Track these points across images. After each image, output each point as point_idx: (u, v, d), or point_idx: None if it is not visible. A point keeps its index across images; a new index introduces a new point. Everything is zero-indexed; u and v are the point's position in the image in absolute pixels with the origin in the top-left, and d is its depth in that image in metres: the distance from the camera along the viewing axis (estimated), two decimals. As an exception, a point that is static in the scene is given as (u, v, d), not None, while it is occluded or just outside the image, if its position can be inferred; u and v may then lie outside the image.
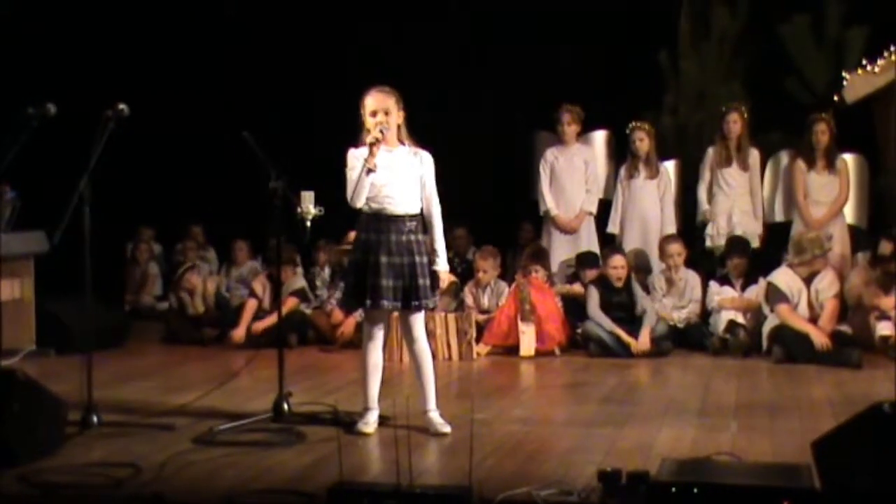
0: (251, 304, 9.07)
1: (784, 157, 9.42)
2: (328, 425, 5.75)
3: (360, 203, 5.52)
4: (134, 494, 4.46)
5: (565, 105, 9.42)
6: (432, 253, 5.63)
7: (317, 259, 9.79)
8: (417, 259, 5.57)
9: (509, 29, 10.79)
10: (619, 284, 8.48)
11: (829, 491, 4.11)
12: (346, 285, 5.82)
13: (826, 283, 8.10)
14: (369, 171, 5.42)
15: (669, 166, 9.72)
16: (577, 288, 8.97)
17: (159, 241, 11.83)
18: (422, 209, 5.64)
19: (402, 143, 5.64)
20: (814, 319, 8.01)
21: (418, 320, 5.67)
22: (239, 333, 8.89)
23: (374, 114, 5.53)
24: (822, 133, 9.00)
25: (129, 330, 9.29)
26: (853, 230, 9.28)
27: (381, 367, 5.71)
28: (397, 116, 5.59)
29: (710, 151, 9.32)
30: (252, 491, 4.51)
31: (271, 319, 8.57)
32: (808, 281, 8.11)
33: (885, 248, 8.68)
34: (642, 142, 9.39)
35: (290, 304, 8.95)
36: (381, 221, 5.56)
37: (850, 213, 9.31)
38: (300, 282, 9.34)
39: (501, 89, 10.75)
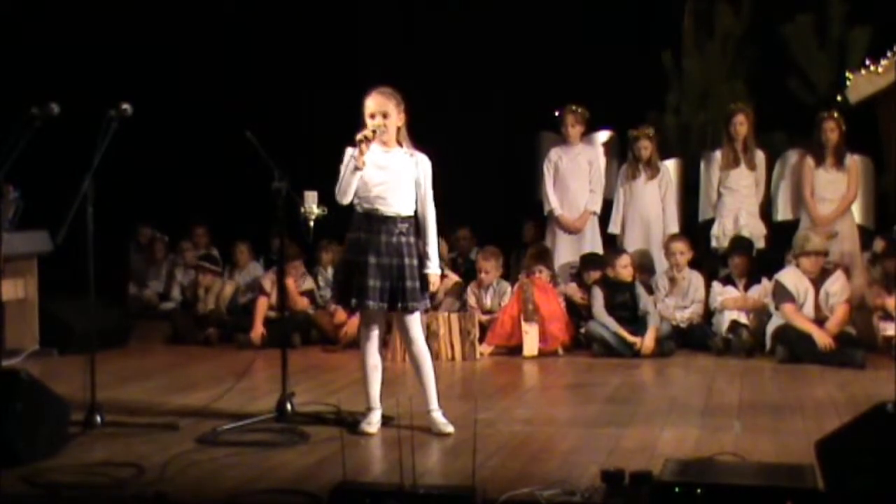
0: (263, 303, 9.08)
1: (792, 156, 9.38)
2: (331, 425, 5.76)
3: (345, 199, 5.52)
4: (137, 494, 4.46)
5: (569, 105, 9.41)
6: (424, 255, 5.62)
7: (320, 259, 9.80)
8: (407, 261, 5.55)
9: (513, 29, 10.77)
10: (630, 279, 8.51)
11: (833, 491, 4.10)
12: (336, 284, 5.82)
13: (838, 287, 8.05)
14: (356, 168, 5.42)
15: (671, 165, 9.71)
16: (571, 289, 8.96)
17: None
18: (416, 211, 5.63)
19: (399, 144, 5.63)
20: (820, 321, 7.97)
21: (413, 322, 5.65)
22: (257, 333, 8.91)
23: (372, 116, 5.54)
24: (831, 131, 8.98)
25: (132, 330, 9.29)
26: (861, 229, 9.26)
27: (381, 366, 5.72)
28: (397, 119, 5.58)
29: (717, 154, 9.30)
30: (255, 491, 4.51)
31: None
32: (816, 282, 8.08)
33: (878, 246, 8.67)
34: (646, 149, 9.40)
35: (301, 303, 9.06)
36: (372, 222, 5.55)
37: (857, 213, 9.27)
38: (310, 282, 9.40)
39: (506, 89, 10.73)
